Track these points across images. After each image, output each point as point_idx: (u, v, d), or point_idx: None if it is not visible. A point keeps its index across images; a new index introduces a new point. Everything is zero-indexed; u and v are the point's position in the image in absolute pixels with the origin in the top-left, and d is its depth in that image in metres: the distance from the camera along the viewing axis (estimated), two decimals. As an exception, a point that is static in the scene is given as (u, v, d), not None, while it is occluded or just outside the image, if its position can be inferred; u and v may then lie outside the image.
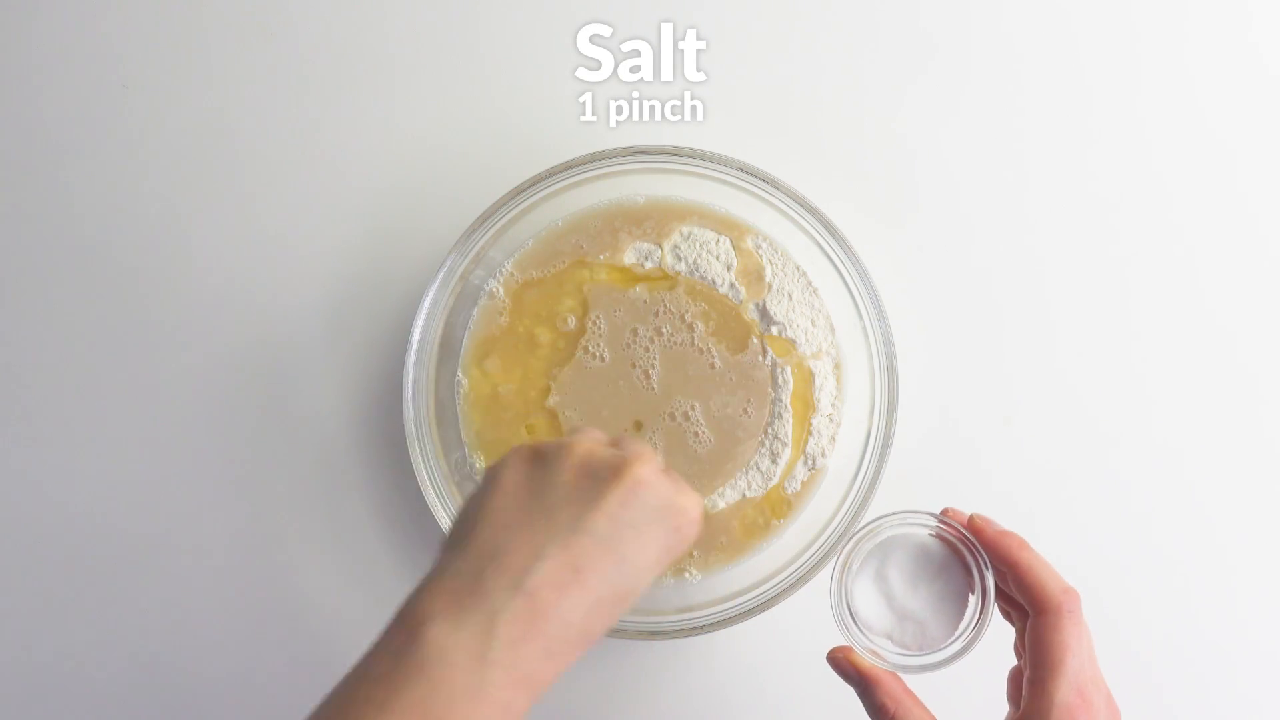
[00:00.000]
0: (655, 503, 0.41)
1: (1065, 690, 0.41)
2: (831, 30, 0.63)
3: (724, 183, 0.56)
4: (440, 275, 0.55)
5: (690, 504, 0.42)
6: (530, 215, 0.56)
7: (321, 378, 0.63)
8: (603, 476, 0.41)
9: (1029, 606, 0.44)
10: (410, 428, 0.56)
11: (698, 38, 0.63)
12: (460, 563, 0.39)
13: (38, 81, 0.63)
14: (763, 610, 0.55)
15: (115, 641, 0.63)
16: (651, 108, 0.63)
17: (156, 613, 0.63)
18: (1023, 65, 0.63)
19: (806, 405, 0.58)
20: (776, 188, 0.54)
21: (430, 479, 0.56)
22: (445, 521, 0.56)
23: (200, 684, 0.63)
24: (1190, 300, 0.63)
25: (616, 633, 0.55)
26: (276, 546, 0.63)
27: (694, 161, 0.54)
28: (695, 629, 0.55)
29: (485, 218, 0.55)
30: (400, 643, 0.37)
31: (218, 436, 0.63)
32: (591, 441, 0.43)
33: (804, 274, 0.58)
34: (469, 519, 0.41)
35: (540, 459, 0.42)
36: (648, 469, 0.41)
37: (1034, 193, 0.63)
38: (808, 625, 0.61)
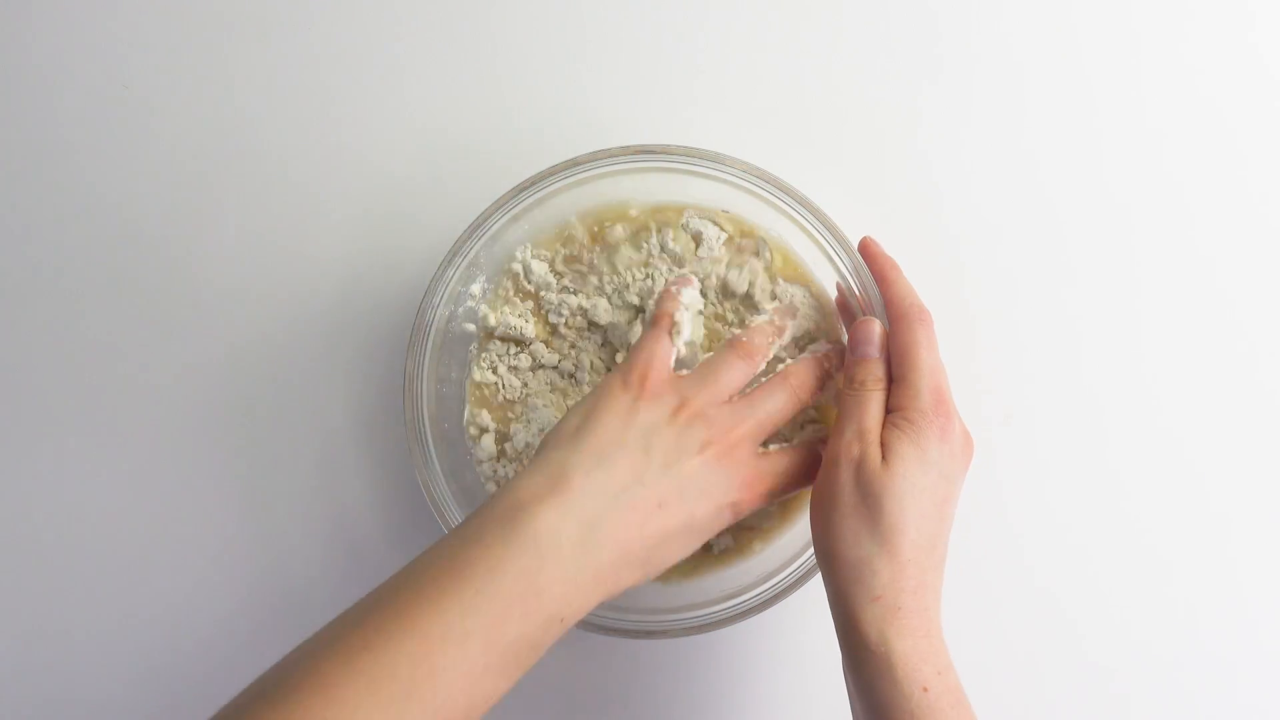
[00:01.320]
0: (725, 481, 0.47)
1: (925, 378, 0.48)
2: (836, 28, 0.63)
3: (726, 183, 0.56)
4: (438, 274, 0.55)
5: (746, 493, 0.48)
6: (530, 214, 0.56)
7: (323, 375, 0.63)
8: (696, 439, 0.47)
9: (889, 318, 0.51)
10: (410, 420, 0.56)
11: (703, 34, 0.63)
12: (569, 456, 0.45)
13: (39, 82, 0.63)
14: (762, 610, 0.55)
15: (115, 638, 0.63)
16: (656, 106, 0.63)
17: (157, 609, 0.63)
18: (1027, 62, 0.63)
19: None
20: (779, 188, 0.54)
21: (429, 477, 0.56)
22: (451, 518, 0.56)
23: (200, 680, 0.63)
24: (1192, 300, 0.63)
25: (616, 631, 0.55)
26: (278, 543, 0.63)
27: (697, 161, 0.54)
28: (695, 629, 0.55)
29: (479, 223, 0.55)
30: (508, 517, 0.43)
31: (220, 432, 0.63)
32: (704, 394, 0.48)
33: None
34: (578, 423, 0.47)
35: (654, 396, 0.48)
36: (735, 445, 0.48)
37: (1034, 192, 0.63)
38: (808, 625, 0.61)
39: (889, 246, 0.61)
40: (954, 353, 0.62)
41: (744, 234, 0.57)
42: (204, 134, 0.63)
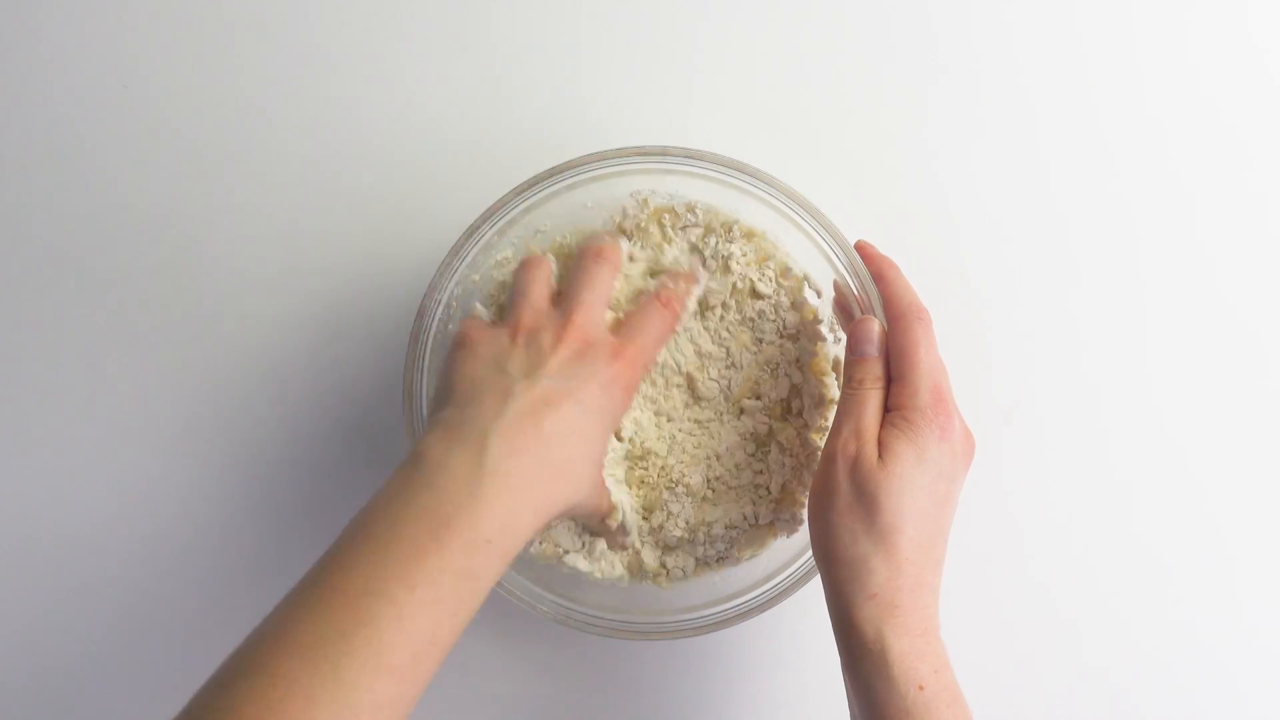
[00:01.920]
0: (592, 361, 0.48)
1: (923, 377, 0.48)
2: (839, 31, 0.63)
3: (724, 184, 0.56)
4: (436, 277, 0.55)
5: (619, 365, 0.49)
6: (528, 217, 0.56)
7: (321, 377, 0.63)
8: (543, 340, 0.48)
9: (887, 318, 0.51)
10: (410, 429, 0.56)
11: (706, 36, 0.63)
12: (445, 412, 0.46)
13: (38, 81, 0.63)
14: (763, 611, 0.55)
15: (107, 639, 0.63)
16: (659, 108, 0.63)
17: (150, 611, 0.63)
18: (1028, 61, 0.63)
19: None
20: (774, 187, 0.54)
21: None
22: None
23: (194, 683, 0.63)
24: (1196, 300, 0.63)
25: (617, 632, 0.55)
26: (273, 546, 0.63)
27: (694, 162, 0.54)
28: (695, 629, 0.55)
29: (473, 229, 0.54)
30: (405, 469, 0.43)
31: (218, 433, 0.63)
32: (533, 307, 0.50)
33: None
34: (447, 383, 0.48)
35: (494, 329, 0.49)
36: (577, 332, 0.48)
37: (1033, 192, 0.63)
38: (808, 626, 0.61)
39: (894, 247, 0.61)
40: (958, 352, 0.62)
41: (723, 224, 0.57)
42: (203, 135, 0.63)
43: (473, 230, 0.54)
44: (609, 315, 0.52)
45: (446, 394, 0.47)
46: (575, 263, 0.53)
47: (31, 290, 0.64)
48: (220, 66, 0.63)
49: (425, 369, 0.55)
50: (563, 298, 0.51)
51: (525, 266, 0.52)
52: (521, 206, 0.54)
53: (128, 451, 0.63)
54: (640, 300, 0.53)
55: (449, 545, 0.41)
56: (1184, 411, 0.63)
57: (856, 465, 0.47)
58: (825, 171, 0.63)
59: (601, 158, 0.54)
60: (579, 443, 0.46)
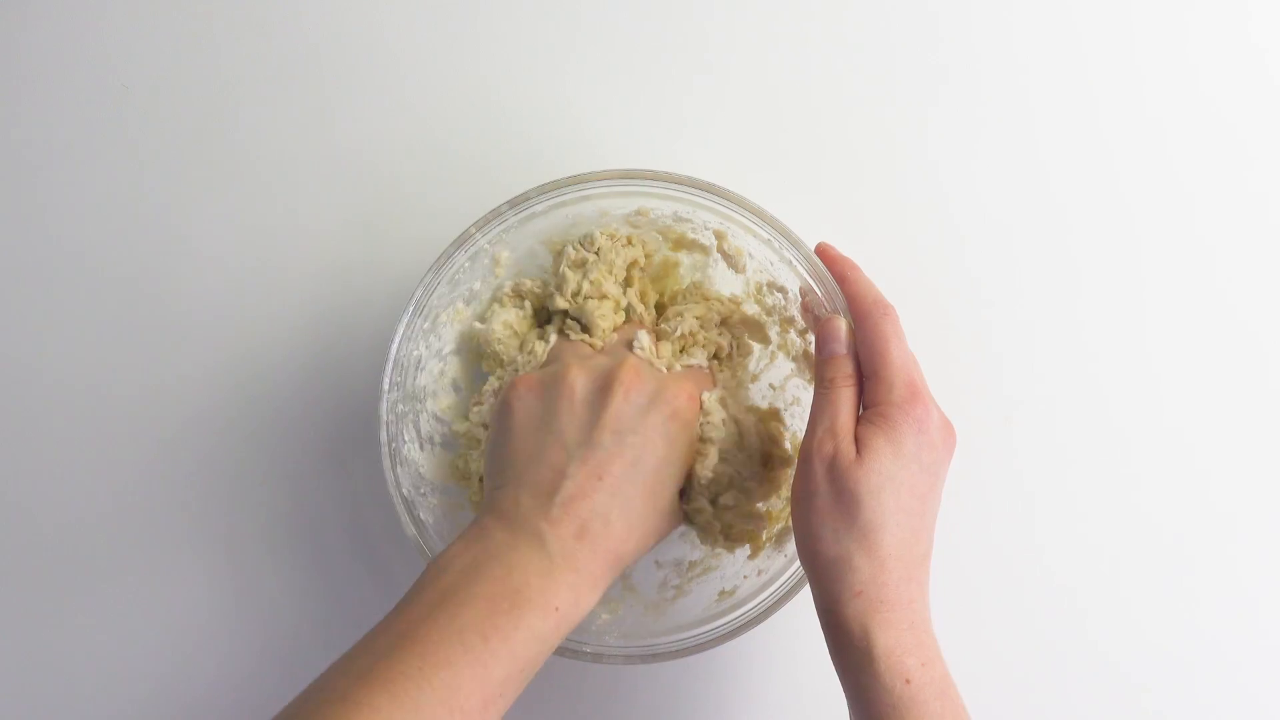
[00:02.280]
0: (643, 401, 0.49)
1: (896, 372, 0.47)
2: (835, 43, 0.64)
3: (697, 205, 0.56)
4: (414, 299, 0.55)
5: (675, 390, 0.50)
6: (508, 235, 0.56)
7: (308, 383, 0.63)
8: (595, 395, 0.49)
9: (854, 317, 0.51)
10: (384, 443, 0.55)
11: (702, 55, 0.64)
12: (499, 495, 0.47)
13: (38, 82, 0.64)
14: (754, 626, 0.54)
15: (93, 642, 0.63)
16: (651, 123, 0.64)
17: (132, 615, 0.63)
18: (1029, 66, 0.64)
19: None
20: (731, 200, 0.53)
21: (400, 492, 0.56)
22: (410, 531, 0.56)
23: (182, 691, 0.63)
24: (1195, 298, 0.63)
25: (605, 659, 0.54)
26: (253, 572, 0.63)
27: (676, 187, 0.54)
28: (687, 650, 0.54)
29: (459, 244, 0.55)
30: (472, 542, 0.46)
31: (207, 439, 0.63)
32: (580, 363, 0.51)
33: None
34: (497, 456, 0.49)
35: (541, 389, 0.50)
36: (629, 374, 0.49)
37: (1033, 193, 0.63)
38: (800, 634, 0.60)
39: (889, 247, 0.62)
40: (954, 353, 0.62)
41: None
42: (201, 137, 0.64)
43: (446, 255, 0.55)
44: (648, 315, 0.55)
45: (504, 464, 0.49)
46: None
47: (31, 290, 0.64)
48: (220, 68, 0.64)
49: (400, 389, 0.56)
50: (608, 346, 0.54)
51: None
52: (486, 238, 0.55)
53: (124, 452, 0.63)
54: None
55: (522, 608, 0.43)
56: (1188, 407, 0.62)
57: (834, 464, 0.46)
58: (826, 171, 0.63)
59: (574, 181, 0.54)
60: (639, 505, 0.48)
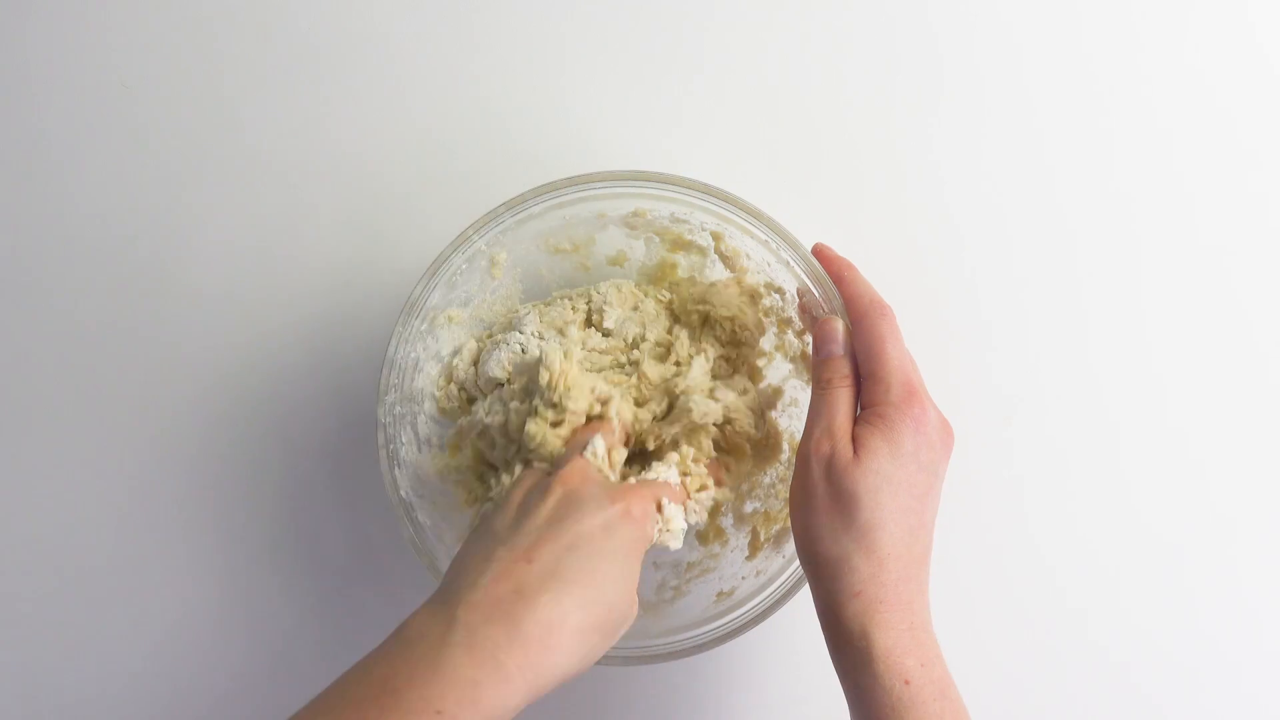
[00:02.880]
0: (584, 496, 0.45)
1: (893, 372, 0.47)
2: (834, 46, 0.64)
3: (694, 206, 0.56)
4: (411, 300, 0.55)
5: (623, 492, 0.46)
6: (506, 237, 0.56)
7: (306, 384, 0.63)
8: (534, 494, 0.46)
9: (851, 317, 0.50)
10: (381, 444, 0.55)
11: (698, 56, 0.64)
12: (440, 586, 0.44)
13: (37, 81, 0.64)
14: (757, 624, 0.54)
15: (95, 648, 0.63)
16: (647, 124, 0.64)
17: (128, 616, 0.63)
18: (1029, 61, 0.64)
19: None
20: (729, 202, 0.53)
21: (397, 494, 0.56)
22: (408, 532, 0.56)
23: (178, 690, 0.63)
24: (1195, 302, 0.63)
25: (604, 660, 0.54)
26: (250, 573, 0.63)
27: (673, 188, 0.54)
28: (693, 649, 0.54)
29: (456, 246, 0.55)
30: (383, 643, 0.42)
31: (208, 438, 0.64)
32: (534, 475, 0.49)
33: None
34: (446, 576, 0.45)
35: (492, 508, 0.48)
36: (570, 472, 0.47)
37: (1031, 193, 0.63)
38: (798, 634, 0.60)
39: (889, 247, 0.62)
40: (954, 353, 0.63)
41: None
42: (202, 135, 0.64)
43: (444, 257, 0.55)
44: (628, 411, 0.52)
45: (448, 576, 0.45)
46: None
47: (26, 289, 0.64)
48: (220, 67, 0.64)
49: (397, 423, 0.56)
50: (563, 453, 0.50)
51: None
52: (483, 240, 0.55)
53: (120, 451, 0.63)
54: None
55: (390, 713, 0.39)
56: (1187, 408, 0.62)
57: (831, 464, 0.46)
58: (823, 172, 0.64)
59: (571, 183, 0.54)
60: (580, 592, 0.42)
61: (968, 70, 0.63)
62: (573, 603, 0.41)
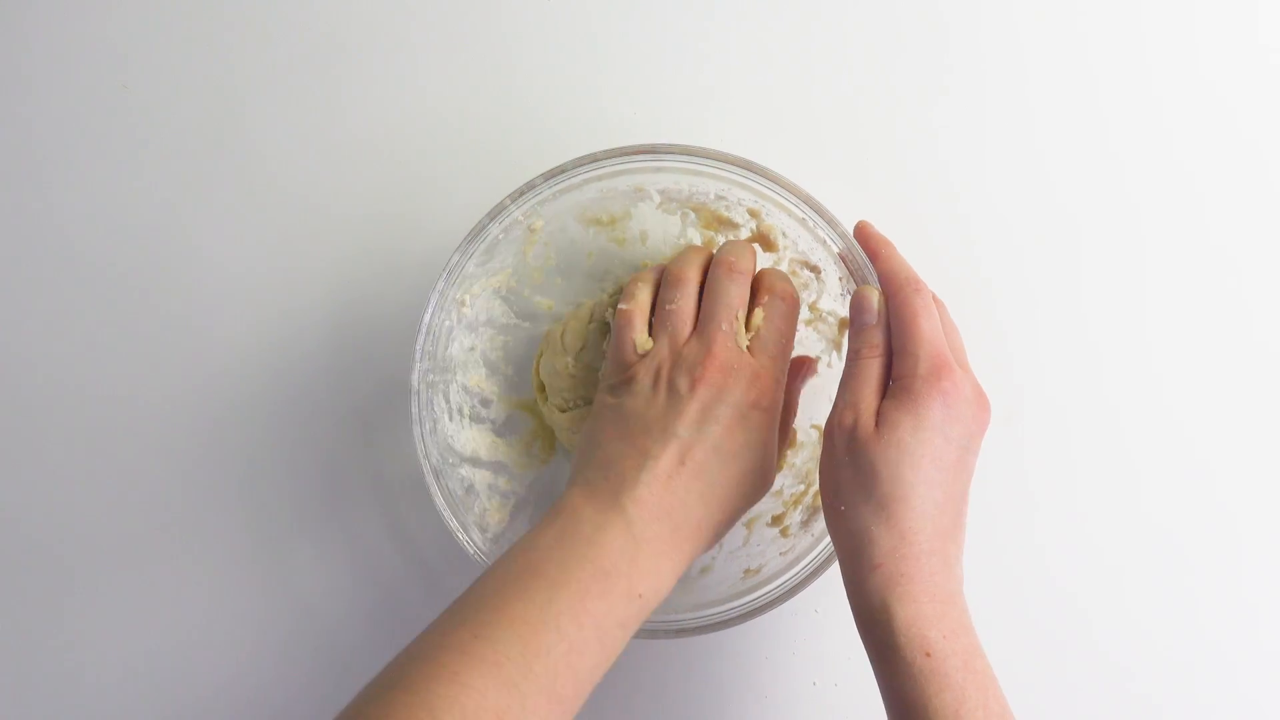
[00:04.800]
0: (725, 391, 0.49)
1: (923, 345, 0.47)
2: (850, 31, 0.63)
3: (732, 182, 0.56)
4: (449, 267, 0.55)
5: (756, 375, 0.50)
6: (543, 207, 0.56)
7: (325, 376, 0.63)
8: (681, 385, 0.49)
9: (885, 294, 0.50)
10: (414, 412, 0.56)
11: (719, 35, 0.64)
12: (589, 473, 0.48)
13: (37, 82, 0.65)
14: (784, 601, 0.54)
15: (113, 642, 0.63)
16: (668, 111, 0.64)
17: (155, 614, 0.63)
18: (1036, 57, 0.63)
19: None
20: (767, 177, 0.53)
21: (429, 463, 0.56)
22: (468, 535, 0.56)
23: (202, 686, 0.63)
24: (1204, 300, 0.62)
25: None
26: (281, 546, 0.63)
27: (711, 162, 0.54)
28: (720, 624, 0.54)
29: (493, 215, 0.55)
30: (561, 521, 0.47)
31: (220, 435, 0.64)
32: (670, 344, 0.51)
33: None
34: (586, 445, 0.50)
35: (630, 381, 0.50)
36: (713, 365, 0.49)
37: (1032, 193, 0.63)
38: (808, 626, 0.60)
39: (904, 249, 0.61)
40: (968, 348, 0.61)
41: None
42: (203, 134, 0.64)
43: (468, 240, 0.55)
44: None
45: (592, 450, 0.49)
46: (710, 278, 0.52)
47: (27, 289, 0.64)
48: (220, 67, 0.64)
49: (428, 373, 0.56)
50: (700, 321, 0.51)
51: (671, 282, 0.53)
52: (520, 210, 0.55)
53: (121, 452, 0.64)
54: (762, 301, 0.52)
55: (611, 593, 0.44)
56: (1195, 407, 0.62)
57: (853, 436, 0.46)
58: (833, 166, 0.63)
59: (609, 155, 0.54)
60: (721, 490, 0.48)
61: (978, 69, 0.63)
62: (717, 503, 0.48)
